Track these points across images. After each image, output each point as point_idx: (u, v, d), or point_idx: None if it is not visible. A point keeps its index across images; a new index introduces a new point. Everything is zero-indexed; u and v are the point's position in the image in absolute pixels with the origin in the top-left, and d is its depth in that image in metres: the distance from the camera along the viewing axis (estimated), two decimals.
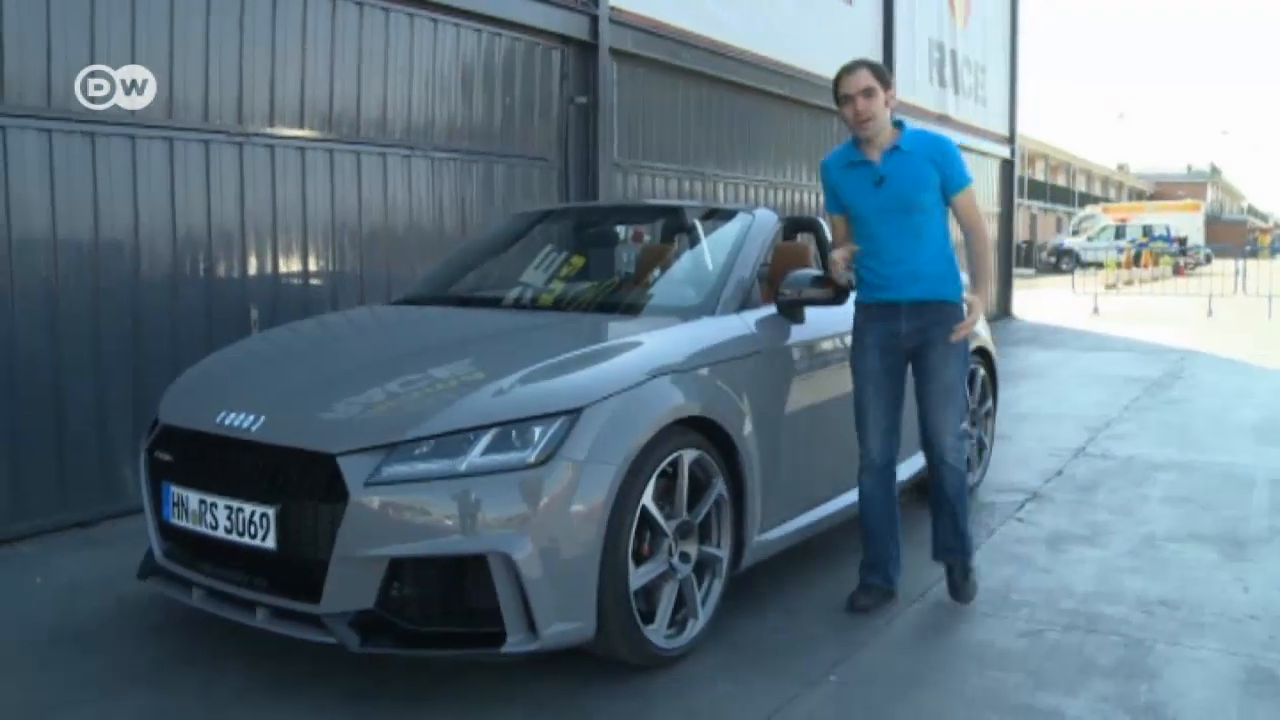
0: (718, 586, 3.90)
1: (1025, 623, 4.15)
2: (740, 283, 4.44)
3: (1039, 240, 49.05)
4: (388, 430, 3.35)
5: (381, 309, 5.25)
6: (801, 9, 12.22)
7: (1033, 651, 3.87)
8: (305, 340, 4.68)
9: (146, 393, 5.46)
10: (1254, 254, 37.75)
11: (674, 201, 9.24)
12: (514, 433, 3.33)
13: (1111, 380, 10.74)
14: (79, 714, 3.41)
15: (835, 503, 4.72)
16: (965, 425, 4.55)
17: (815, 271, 4.48)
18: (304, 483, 3.34)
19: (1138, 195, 71.92)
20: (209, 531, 3.53)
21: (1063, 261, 40.25)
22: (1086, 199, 62.60)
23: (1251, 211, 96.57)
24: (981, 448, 6.19)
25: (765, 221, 4.79)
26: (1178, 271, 31.78)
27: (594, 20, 8.68)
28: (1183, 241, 38.32)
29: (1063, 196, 60.85)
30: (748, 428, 4.00)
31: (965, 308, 4.12)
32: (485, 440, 3.30)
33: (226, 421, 3.57)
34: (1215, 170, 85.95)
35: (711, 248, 4.86)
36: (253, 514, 3.39)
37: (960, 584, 4.35)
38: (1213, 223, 56.57)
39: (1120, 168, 77.17)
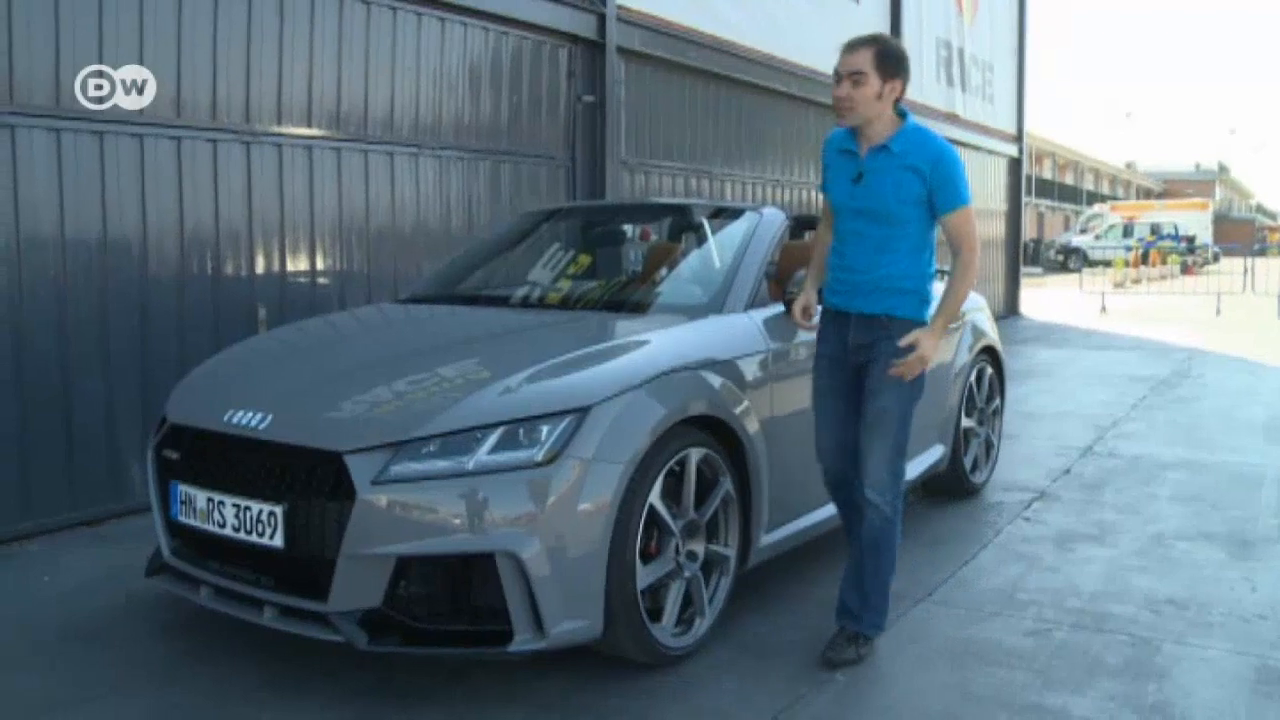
0: (725, 585, 3.90)
1: (1033, 622, 4.14)
2: (748, 281, 4.43)
3: (1046, 239, 48.94)
4: (395, 429, 3.35)
5: (389, 307, 5.26)
6: (809, 7, 12.20)
7: (1040, 650, 3.87)
8: (312, 339, 4.68)
9: (154, 391, 5.47)
10: (1262, 252, 37.63)
11: (681, 200, 9.23)
12: (521, 431, 3.33)
13: (1119, 379, 10.72)
14: (89, 711, 3.41)
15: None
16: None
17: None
18: (311, 481, 3.35)
19: (1146, 193, 71.81)
20: (217, 530, 3.54)
21: (1070, 260, 40.20)
22: (1094, 197, 62.46)
23: (1260, 210, 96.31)
24: (989, 446, 6.19)
25: (773, 220, 4.78)
26: (1186, 270, 31.74)
27: (601, 19, 8.68)
28: (1191, 240, 38.27)
29: (1070, 195, 60.72)
30: (755, 426, 4.00)
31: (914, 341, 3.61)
32: (493, 439, 3.30)
33: (234, 420, 3.58)
34: (1224, 168, 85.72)
35: (719, 246, 4.86)
36: (260, 512, 3.40)
37: (839, 642, 3.78)
38: (1221, 221, 56.46)
39: (1128, 166, 76.97)
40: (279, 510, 3.36)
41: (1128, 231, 40.85)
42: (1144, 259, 30.11)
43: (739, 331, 4.19)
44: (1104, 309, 19.44)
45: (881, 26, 13.99)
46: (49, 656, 3.84)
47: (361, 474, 3.25)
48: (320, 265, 6.71)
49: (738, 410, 3.91)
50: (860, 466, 3.77)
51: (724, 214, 5.35)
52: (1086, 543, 5.16)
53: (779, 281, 4.60)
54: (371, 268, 7.03)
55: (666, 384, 3.66)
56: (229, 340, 5.37)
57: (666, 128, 9.86)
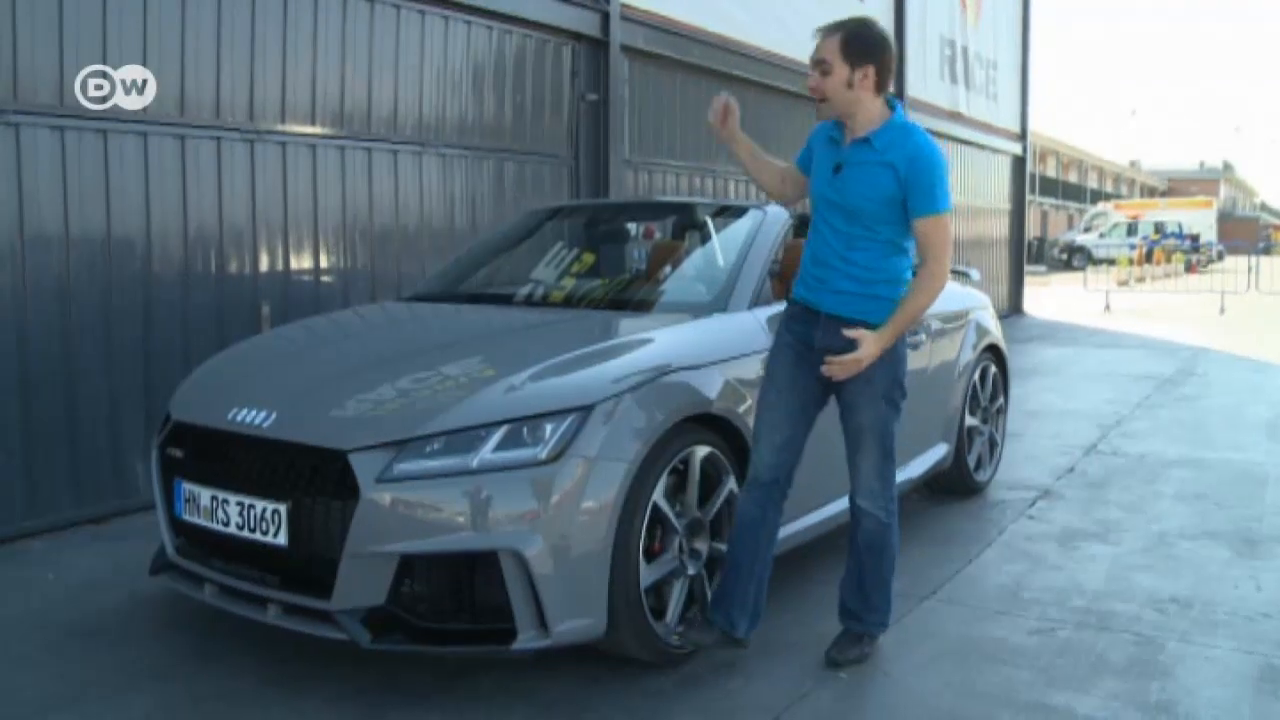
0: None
1: (1036, 620, 4.14)
2: (752, 279, 4.43)
3: (1050, 237, 48.90)
4: (399, 427, 3.36)
5: (393, 306, 5.26)
6: (813, 5, 12.16)
7: (1044, 649, 3.86)
8: (316, 337, 4.69)
9: (158, 389, 5.48)
10: (1267, 251, 37.52)
11: (685, 198, 9.22)
12: (525, 429, 3.33)
13: (1123, 377, 10.71)
14: (93, 708, 3.42)
15: (846, 500, 4.70)
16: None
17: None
18: (315, 479, 3.35)
19: (1150, 192, 71.74)
20: (221, 528, 3.54)
21: (1074, 258, 40.13)
22: (1098, 195, 62.39)
23: (1264, 208, 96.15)
24: (993, 445, 6.19)
25: (777, 218, 4.78)
26: (1190, 269, 31.68)
27: (605, 17, 8.67)
28: (1195, 238, 38.17)
29: (1074, 193, 60.65)
30: None
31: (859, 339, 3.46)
32: (497, 437, 3.30)
33: (238, 418, 3.58)
34: (1228, 166, 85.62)
35: (723, 244, 4.85)
36: (264, 510, 3.40)
37: (844, 643, 3.74)
38: (1225, 219, 56.32)
39: (1132, 164, 76.89)
40: (283, 508, 3.36)
41: (1132, 230, 40.74)
42: (1148, 257, 30.06)
43: (743, 330, 4.18)
44: (1108, 307, 19.42)
45: (885, 23, 13.83)
46: (54, 654, 3.84)
47: (365, 472, 3.25)
48: (324, 263, 6.71)
49: (741, 409, 3.91)
50: (851, 476, 3.71)
51: (727, 212, 5.35)
52: (1090, 541, 5.16)
53: (783, 279, 4.60)
54: (375, 266, 7.03)
55: (670, 382, 3.66)
56: (233, 338, 5.37)
57: (670, 126, 9.86)
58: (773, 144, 11.74)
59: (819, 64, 3.49)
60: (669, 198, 9.11)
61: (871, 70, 3.48)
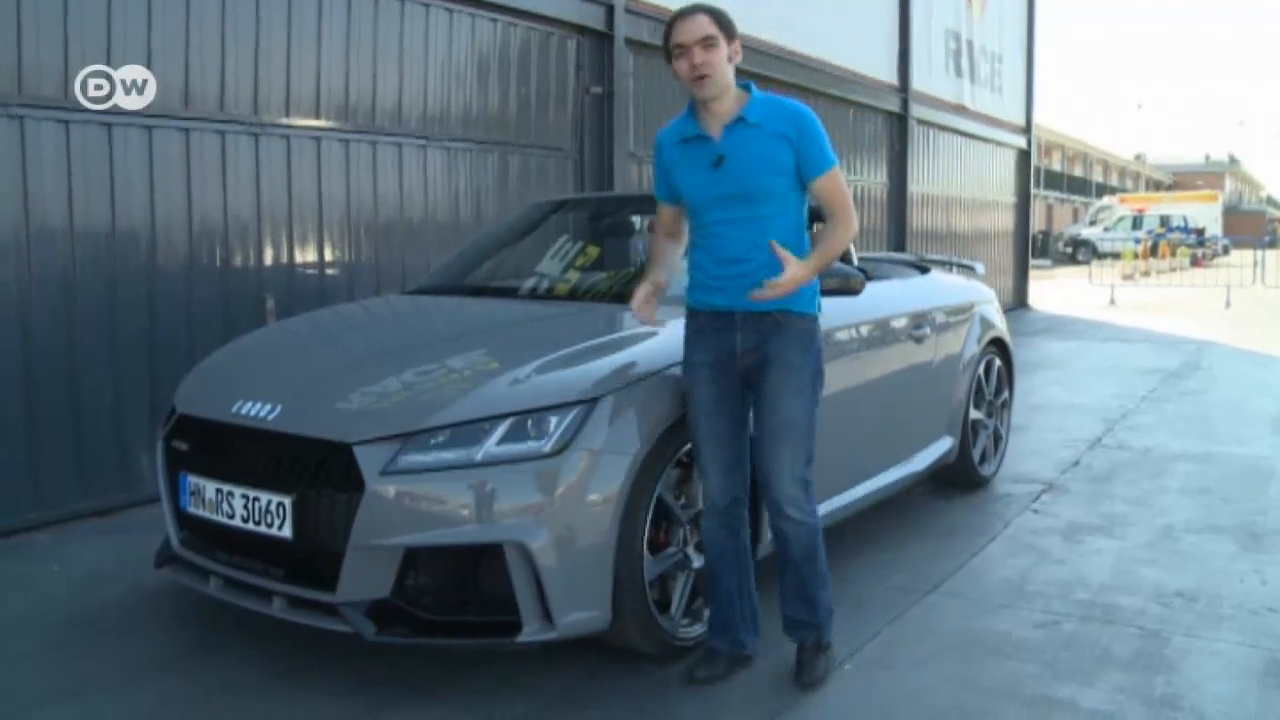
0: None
1: (1041, 614, 4.14)
2: None
3: (1055, 231, 48.83)
4: (404, 420, 3.36)
5: (397, 299, 5.26)
6: None
7: (1049, 643, 3.86)
8: (321, 330, 4.69)
9: (163, 382, 5.48)
10: (1273, 244, 37.39)
11: None
12: (530, 422, 3.33)
13: (1128, 371, 10.70)
14: (98, 701, 3.43)
15: (851, 493, 4.71)
16: (807, 473, 3.48)
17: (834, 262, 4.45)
18: (320, 472, 3.35)
19: (1155, 185, 71.62)
20: (225, 520, 3.54)
21: (1079, 252, 40.06)
22: (1103, 189, 62.33)
23: (1270, 202, 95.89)
24: (997, 438, 6.18)
25: None
26: (1195, 262, 31.65)
27: (609, 10, 8.66)
28: (1200, 232, 38.13)
29: (1079, 187, 60.56)
30: None
31: (783, 266, 3.27)
32: (501, 430, 3.30)
33: (243, 411, 3.58)
34: (1234, 160, 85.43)
35: None
36: (269, 503, 3.40)
37: (810, 661, 3.55)
38: (1231, 213, 56.26)
39: (1138, 158, 76.74)
40: (287, 501, 3.36)
41: (1137, 223, 40.70)
42: (1153, 251, 29.99)
43: None
44: (1113, 301, 19.39)
45: (890, 17, 13.97)
46: (58, 646, 3.85)
47: (370, 465, 3.25)
48: (329, 256, 6.71)
49: None
50: (768, 487, 3.44)
51: None
52: (1095, 535, 5.15)
53: None
54: (379, 259, 7.03)
55: (674, 375, 3.65)
56: (237, 331, 5.37)
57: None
58: None
59: (706, 42, 3.32)
60: None
61: (739, 46, 3.42)
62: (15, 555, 4.92)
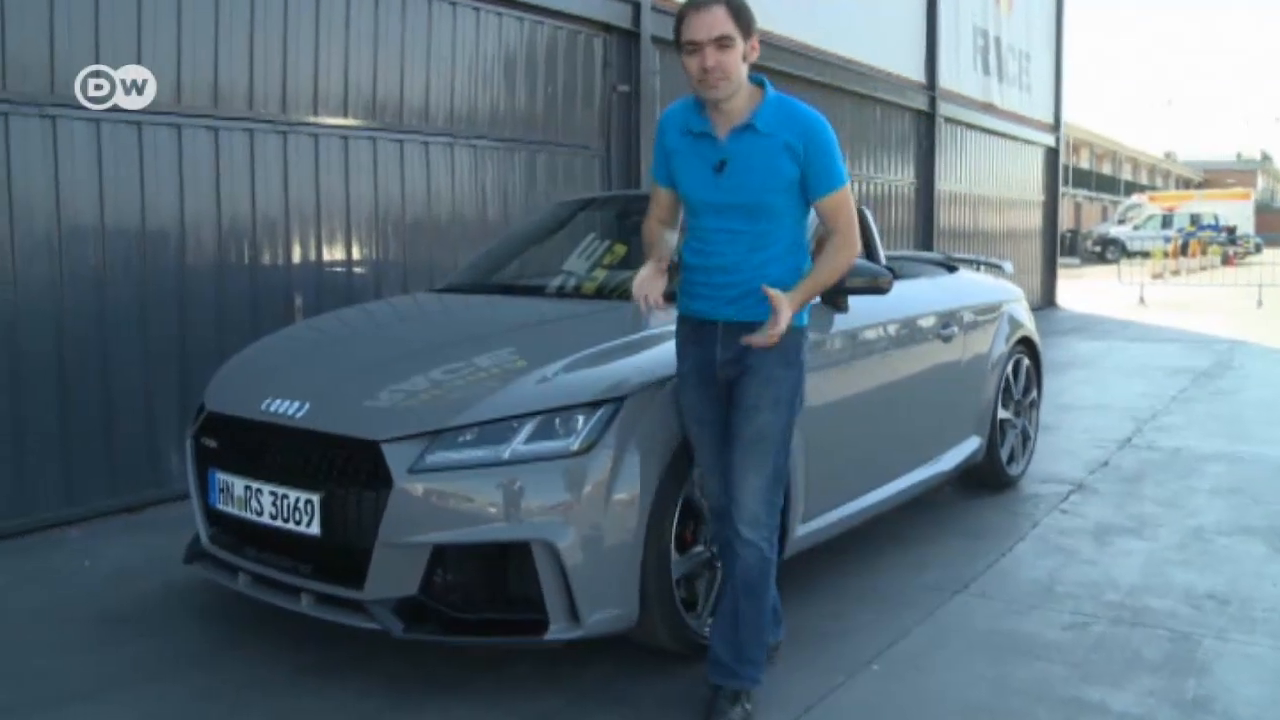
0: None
1: (1070, 615, 4.11)
2: None
3: (1084, 229, 48.53)
4: (432, 418, 3.37)
5: (425, 297, 5.27)
6: None
7: (1078, 644, 3.84)
8: (349, 328, 4.70)
9: (192, 380, 5.52)
10: None
11: None
12: (557, 421, 3.33)
13: (1158, 371, 10.61)
14: (128, 695, 3.45)
15: (879, 492, 4.70)
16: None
17: (860, 260, 4.43)
18: (348, 469, 3.36)
19: (1185, 183, 71.01)
20: (254, 517, 3.56)
21: (1108, 251, 39.81)
22: (1133, 187, 61.88)
23: None
24: (1026, 438, 6.15)
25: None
26: (1226, 261, 31.37)
27: (636, 8, 8.65)
28: (1232, 230, 37.82)
29: (1108, 185, 60.13)
30: None
31: (772, 308, 3.04)
32: (529, 428, 3.30)
33: (272, 408, 3.60)
34: (1266, 157, 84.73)
35: None
36: (297, 500, 3.42)
37: (723, 710, 3.21)
38: (1263, 211, 55.77)
39: (1167, 155, 76.22)
40: (316, 498, 3.37)
41: (1167, 222, 40.41)
42: (1183, 250, 29.72)
43: None
44: (1142, 300, 19.24)
45: (917, 15, 13.90)
46: (90, 641, 3.88)
47: (398, 463, 3.26)
48: (356, 255, 6.74)
49: None
50: (730, 505, 3.22)
51: None
52: (1125, 536, 5.12)
53: None
54: (407, 257, 7.05)
55: None
56: (266, 329, 5.40)
57: None
58: None
59: (722, 41, 3.05)
60: None
61: (757, 43, 3.15)
62: (47, 550, 4.97)
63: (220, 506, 3.73)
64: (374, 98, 6.76)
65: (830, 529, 4.36)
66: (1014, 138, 17.15)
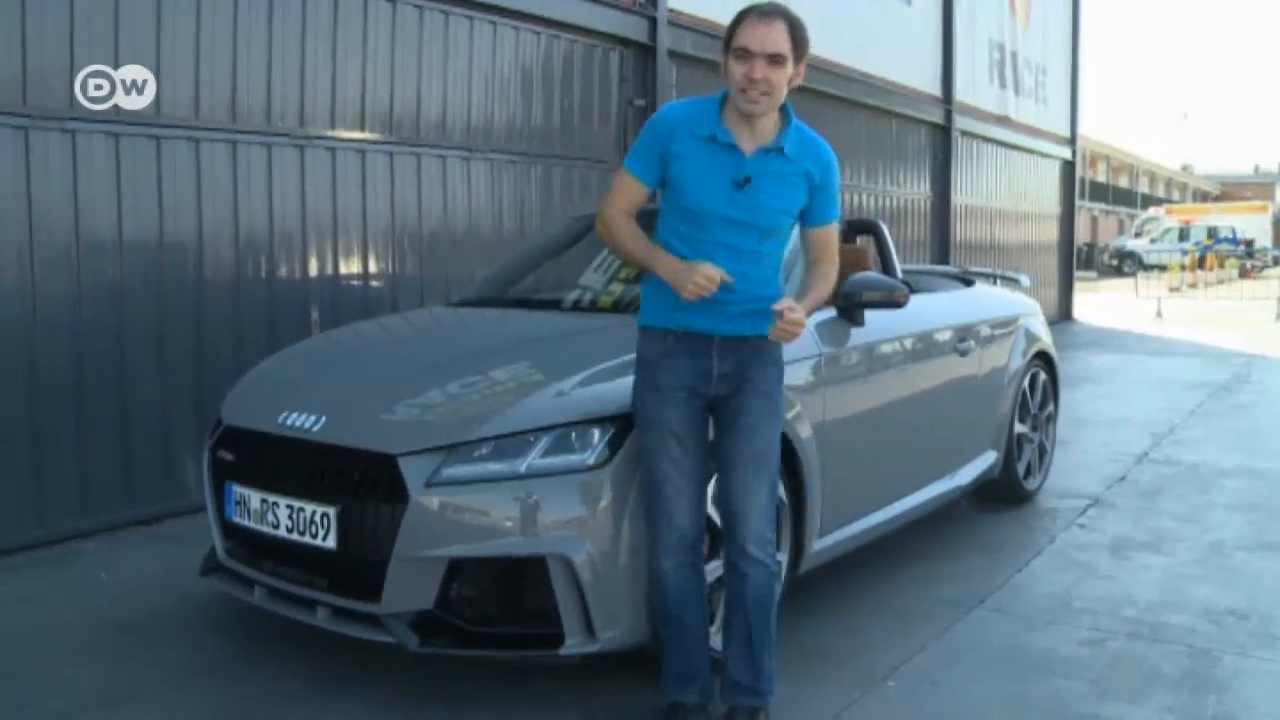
0: (777, 590, 3.87)
1: (1087, 630, 4.09)
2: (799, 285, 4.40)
3: (1100, 243, 48.39)
4: (448, 431, 3.37)
5: (441, 310, 5.28)
6: (861, 10, 12.13)
7: (1095, 660, 3.81)
8: (365, 341, 4.72)
9: (209, 392, 5.53)
10: None
11: None
12: (573, 435, 3.34)
13: (1176, 384, 10.56)
14: (144, 708, 3.46)
15: (895, 507, 4.69)
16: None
17: (876, 274, 4.43)
18: (365, 483, 3.37)
19: (1203, 196, 70.72)
20: (270, 531, 3.57)
21: (1125, 264, 39.69)
22: (1149, 200, 61.65)
23: None
24: (1042, 452, 6.12)
25: None
26: (1244, 274, 31.18)
27: (652, 22, 8.68)
28: (1249, 244, 37.63)
29: (1125, 198, 59.97)
30: (807, 431, 3.96)
31: (780, 312, 2.98)
32: (545, 442, 3.31)
33: (288, 422, 3.61)
34: None
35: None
36: (314, 514, 3.42)
37: None
38: None
39: (1184, 169, 75.94)
40: (332, 512, 3.38)
41: (1184, 235, 40.24)
42: (1201, 263, 29.62)
43: None
44: (1159, 314, 19.15)
45: (933, 27, 13.90)
46: (107, 652, 3.89)
47: (414, 476, 3.27)
48: (373, 268, 6.76)
49: (790, 415, 3.88)
50: (737, 522, 3.16)
51: None
52: (1143, 551, 5.09)
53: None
54: (424, 270, 7.07)
55: None
56: (283, 342, 5.42)
57: None
58: None
59: (774, 57, 3.00)
60: None
61: (804, 67, 3.12)
62: (65, 562, 4.99)
63: (236, 519, 3.73)
64: (391, 112, 6.79)
65: (847, 544, 4.35)
66: (1030, 151, 17.12)
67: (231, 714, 3.43)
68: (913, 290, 4.37)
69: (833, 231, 3.28)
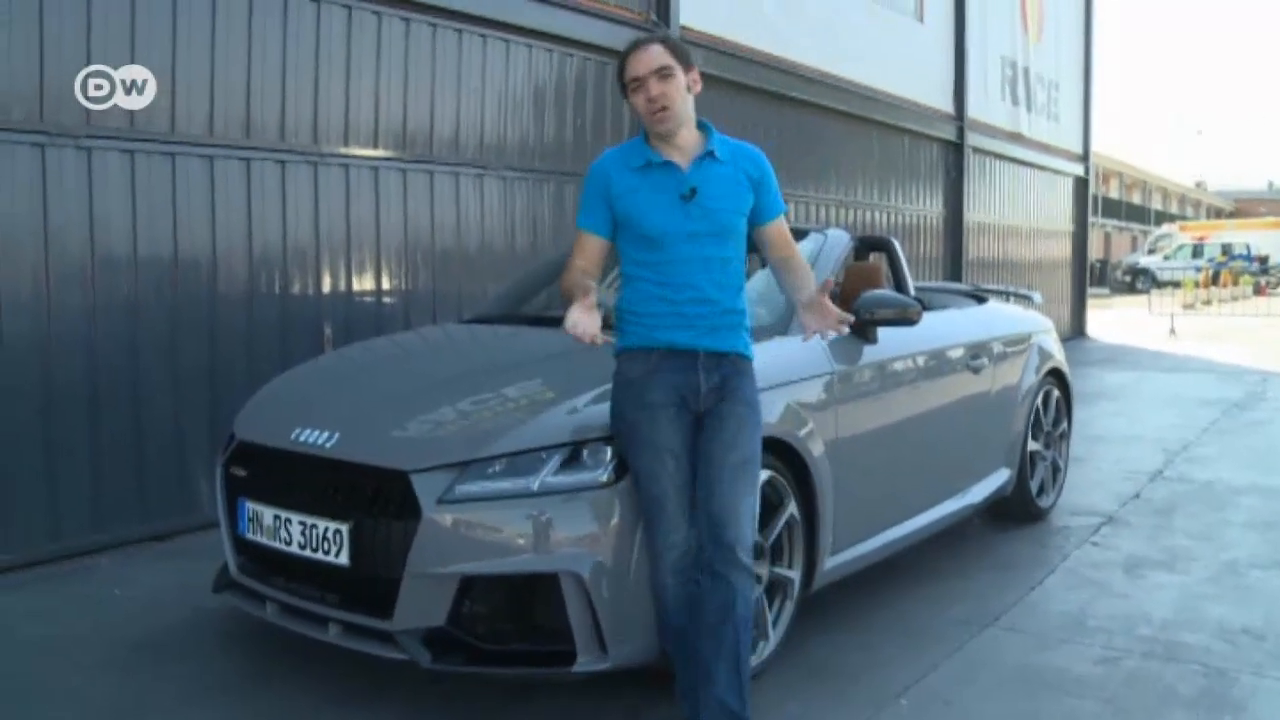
0: (789, 608, 3.87)
1: (1102, 649, 4.06)
2: None
3: (1113, 259, 48.29)
4: (461, 448, 3.37)
5: (454, 327, 5.29)
6: (872, 27, 12.16)
7: (1110, 679, 3.79)
8: (378, 358, 4.73)
9: (222, 408, 5.55)
10: None
11: None
12: (586, 452, 3.34)
13: (1189, 402, 10.52)
14: None
15: (908, 525, 4.67)
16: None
17: (889, 292, 4.43)
18: (377, 500, 3.37)
19: (1216, 213, 70.56)
20: (283, 547, 3.57)
21: (1138, 281, 39.61)
22: (1163, 217, 61.54)
23: None
24: (1056, 470, 6.10)
25: (838, 241, 4.76)
26: (1259, 291, 31.11)
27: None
28: (1264, 260, 37.53)
29: (1138, 215, 59.88)
30: (820, 449, 3.96)
31: (811, 306, 3.30)
32: (557, 459, 3.31)
33: (301, 438, 3.61)
34: None
35: None
36: (326, 530, 3.43)
37: None
38: None
39: (1198, 185, 75.79)
40: (345, 528, 3.38)
41: (1197, 252, 40.19)
42: (1214, 280, 29.53)
43: (804, 353, 4.14)
44: (1173, 331, 19.09)
45: (945, 44, 13.92)
46: (120, 668, 3.90)
47: (427, 493, 3.27)
48: (386, 285, 6.78)
49: (802, 432, 3.88)
50: (721, 532, 3.11)
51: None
52: (1157, 569, 5.06)
53: (844, 303, 4.57)
54: (437, 287, 7.09)
55: None
56: (296, 358, 5.44)
57: None
58: (829, 167, 11.72)
59: (662, 72, 3.20)
60: None
61: (698, 75, 3.31)
62: (78, 578, 5.00)
63: (249, 536, 3.74)
64: (404, 129, 6.82)
65: (859, 561, 4.34)
66: (1043, 167, 17.11)
67: None
68: (925, 307, 4.36)
69: (782, 223, 3.44)
